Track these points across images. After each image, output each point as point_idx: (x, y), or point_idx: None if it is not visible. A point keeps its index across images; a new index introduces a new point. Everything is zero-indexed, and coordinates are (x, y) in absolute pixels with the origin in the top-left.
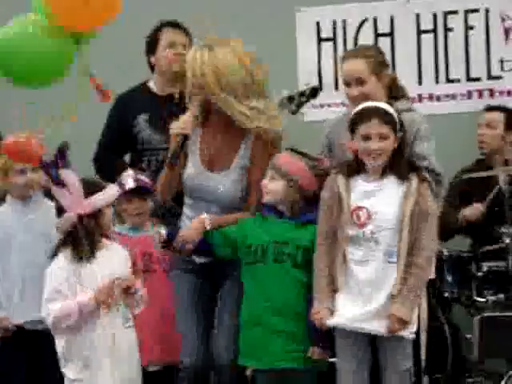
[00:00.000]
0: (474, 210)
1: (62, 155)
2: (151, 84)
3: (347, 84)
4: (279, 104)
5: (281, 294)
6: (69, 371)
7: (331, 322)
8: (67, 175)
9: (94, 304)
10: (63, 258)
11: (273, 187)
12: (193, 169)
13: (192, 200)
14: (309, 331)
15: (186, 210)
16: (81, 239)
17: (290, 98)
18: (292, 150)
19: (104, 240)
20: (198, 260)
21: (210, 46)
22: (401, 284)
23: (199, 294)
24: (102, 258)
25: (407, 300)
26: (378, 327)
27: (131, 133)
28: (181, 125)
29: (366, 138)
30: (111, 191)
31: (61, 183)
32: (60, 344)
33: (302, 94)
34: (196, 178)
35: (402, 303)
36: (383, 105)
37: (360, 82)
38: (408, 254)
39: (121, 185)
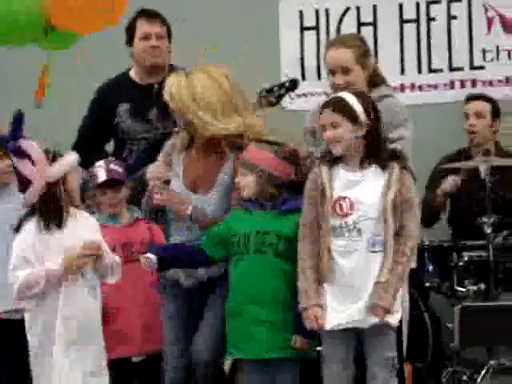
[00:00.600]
0: (450, 181)
1: (18, 124)
2: (132, 73)
3: (332, 72)
4: (259, 96)
5: (263, 284)
6: (31, 337)
7: (328, 326)
8: (28, 145)
9: (61, 270)
10: (30, 227)
11: (245, 183)
12: (177, 191)
13: (175, 222)
14: (293, 320)
15: (172, 233)
16: (48, 207)
17: (270, 90)
18: (257, 141)
19: (72, 209)
20: (186, 284)
21: (187, 72)
22: (389, 273)
23: (187, 313)
24: (69, 227)
25: (392, 288)
26: (370, 321)
27: (112, 122)
28: (156, 172)
29: (323, 128)
30: (70, 158)
31: (22, 154)
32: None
33: (281, 85)
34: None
35: (387, 291)
36: (341, 94)
37: (345, 70)
38: (394, 244)
39: (93, 177)
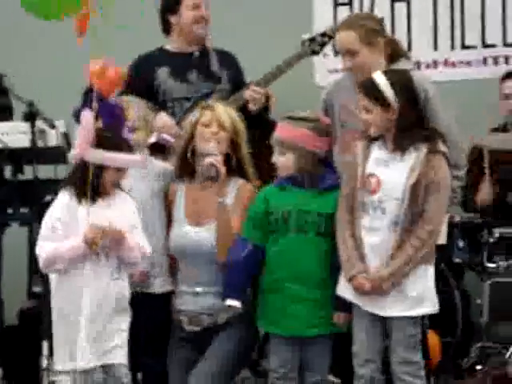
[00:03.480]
0: (485, 196)
1: (87, 97)
2: (168, 46)
3: (342, 55)
4: (302, 46)
5: (303, 262)
6: (53, 311)
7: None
8: (85, 117)
9: (83, 246)
10: (62, 199)
11: (283, 162)
12: (178, 228)
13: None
14: (332, 297)
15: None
16: (80, 181)
17: (312, 39)
18: (289, 117)
19: (111, 188)
20: (189, 329)
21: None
22: (396, 253)
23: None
24: (102, 205)
25: (399, 270)
26: (391, 313)
27: (152, 86)
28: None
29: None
30: (120, 158)
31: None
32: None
33: (323, 34)
34: (183, 237)
35: (392, 274)
36: (375, 76)
37: (351, 53)
38: (410, 225)
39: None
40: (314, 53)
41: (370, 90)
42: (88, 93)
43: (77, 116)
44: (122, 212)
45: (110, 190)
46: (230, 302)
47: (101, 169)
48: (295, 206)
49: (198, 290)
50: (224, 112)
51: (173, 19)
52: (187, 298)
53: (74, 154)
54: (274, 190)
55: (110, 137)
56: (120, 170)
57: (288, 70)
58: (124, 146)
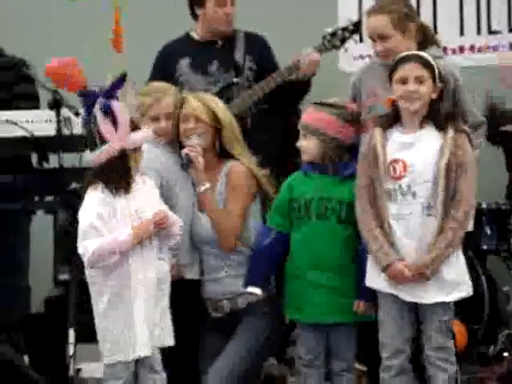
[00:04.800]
0: None
1: (117, 85)
2: (193, 33)
3: (372, 39)
4: (322, 40)
5: (324, 249)
6: (100, 305)
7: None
8: (117, 106)
9: (134, 241)
10: (94, 194)
11: (307, 146)
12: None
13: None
14: (355, 285)
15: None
16: (117, 172)
17: (333, 34)
18: (316, 103)
19: (138, 175)
20: (214, 315)
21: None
22: (437, 238)
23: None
24: (134, 193)
25: (442, 255)
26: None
27: (173, 78)
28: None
29: (403, 81)
30: (149, 131)
31: (107, 113)
32: (93, 279)
33: (344, 28)
34: (195, 223)
35: (430, 252)
36: (421, 53)
37: (383, 37)
38: (446, 207)
39: None
40: (335, 47)
41: (427, 62)
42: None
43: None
44: (146, 192)
45: (135, 174)
46: (250, 288)
47: (136, 151)
48: (316, 192)
49: (216, 275)
50: (199, 104)
51: (199, 11)
52: (208, 285)
53: (108, 149)
54: (298, 177)
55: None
56: (138, 150)
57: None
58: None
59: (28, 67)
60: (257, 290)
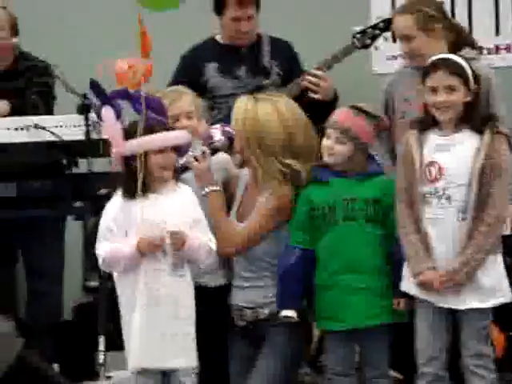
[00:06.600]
0: None
1: (96, 90)
2: (218, 37)
3: (400, 39)
4: (352, 39)
5: (357, 250)
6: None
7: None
8: (106, 115)
9: (136, 255)
10: (116, 197)
11: (340, 150)
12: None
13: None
14: (390, 286)
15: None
16: (127, 178)
17: (363, 32)
18: (355, 107)
19: (169, 182)
20: (239, 322)
21: (256, 97)
22: (467, 242)
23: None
24: (160, 201)
25: (472, 260)
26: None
27: (199, 82)
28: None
29: (433, 90)
30: (157, 138)
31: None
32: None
33: (374, 26)
34: None
35: (465, 264)
36: (453, 56)
37: (407, 38)
38: (478, 211)
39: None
40: (365, 47)
41: (457, 68)
42: (95, 88)
43: (98, 114)
44: (182, 206)
45: (159, 178)
46: (285, 312)
47: (143, 158)
48: (339, 195)
49: (241, 284)
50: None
51: (219, 20)
52: (234, 292)
53: (113, 153)
54: (313, 187)
55: (139, 123)
56: (162, 151)
57: (336, 64)
58: (157, 128)
59: (51, 69)
60: (290, 313)
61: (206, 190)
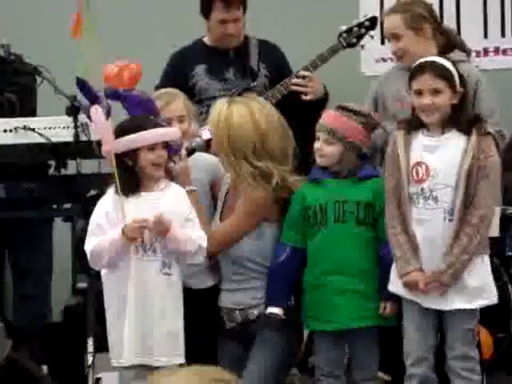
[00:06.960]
0: None
1: (83, 89)
2: (206, 39)
3: (388, 39)
4: (338, 38)
5: (346, 253)
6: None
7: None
8: (95, 112)
9: (122, 240)
10: (108, 193)
11: (329, 151)
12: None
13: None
14: (378, 289)
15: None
16: (119, 175)
17: (349, 31)
18: (342, 108)
19: (161, 180)
20: (228, 324)
21: (231, 100)
22: (452, 243)
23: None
24: (152, 199)
25: (457, 262)
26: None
27: (187, 84)
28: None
29: (419, 93)
30: (147, 135)
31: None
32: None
33: (360, 25)
34: None
35: (451, 265)
36: (440, 59)
37: (395, 37)
38: (464, 212)
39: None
40: (351, 45)
41: (442, 71)
42: (83, 86)
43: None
44: (173, 204)
45: (152, 176)
46: (270, 309)
47: (134, 155)
48: (331, 196)
49: (229, 286)
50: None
51: (206, 22)
52: (223, 294)
53: (104, 155)
54: (308, 186)
55: (130, 120)
56: (153, 148)
57: (323, 63)
58: (148, 124)
59: (43, 73)
60: (276, 310)
61: (185, 189)
